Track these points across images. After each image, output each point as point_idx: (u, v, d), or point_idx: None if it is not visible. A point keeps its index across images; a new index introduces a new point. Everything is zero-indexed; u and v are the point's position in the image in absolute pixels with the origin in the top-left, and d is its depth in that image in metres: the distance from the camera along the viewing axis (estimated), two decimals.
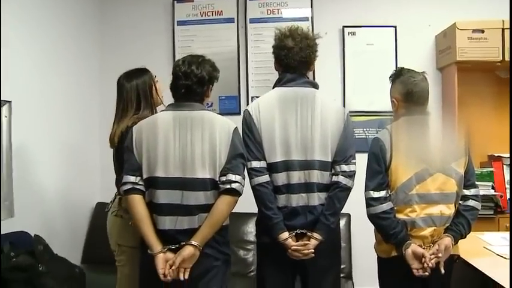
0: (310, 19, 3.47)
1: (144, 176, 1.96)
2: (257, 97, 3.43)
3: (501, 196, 3.16)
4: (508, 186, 3.23)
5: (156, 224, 1.95)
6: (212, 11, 3.55)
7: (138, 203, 1.95)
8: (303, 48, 2.14)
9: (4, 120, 2.50)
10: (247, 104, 3.51)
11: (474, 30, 3.09)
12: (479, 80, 3.38)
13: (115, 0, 3.63)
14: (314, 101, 2.11)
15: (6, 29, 2.43)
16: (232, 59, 3.52)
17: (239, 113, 3.50)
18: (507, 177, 3.24)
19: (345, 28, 3.47)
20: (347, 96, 3.48)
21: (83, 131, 3.31)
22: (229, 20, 3.54)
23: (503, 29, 3.08)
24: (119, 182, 2.27)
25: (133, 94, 2.26)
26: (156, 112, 2.29)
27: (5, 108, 2.49)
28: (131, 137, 2.00)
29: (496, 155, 3.31)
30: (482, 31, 3.09)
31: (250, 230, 3.37)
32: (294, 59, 2.14)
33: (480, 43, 3.09)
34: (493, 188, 3.18)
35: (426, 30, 3.45)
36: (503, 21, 3.08)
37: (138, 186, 1.96)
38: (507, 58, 3.07)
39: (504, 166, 3.24)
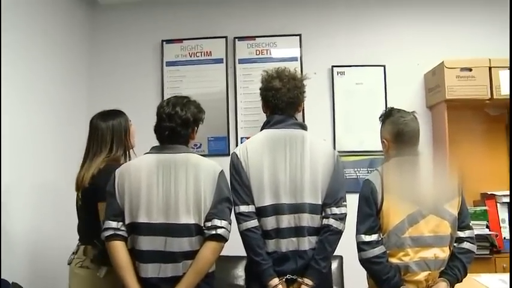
0: (299, 59, 3.49)
1: (127, 222, 1.90)
2: (247, 138, 3.50)
3: (496, 235, 3.09)
4: (503, 225, 3.16)
5: (138, 272, 1.87)
6: (201, 52, 3.56)
7: (119, 249, 1.88)
8: (290, 89, 2.12)
9: None
10: (237, 145, 3.47)
11: (462, 69, 3.10)
12: (468, 117, 3.37)
13: (104, 41, 3.65)
14: (303, 142, 2.08)
15: None
16: (221, 99, 3.50)
17: (228, 154, 3.46)
18: (501, 215, 3.18)
19: (334, 68, 3.48)
20: (337, 136, 3.45)
21: (65, 173, 3.20)
22: (218, 61, 3.55)
23: (490, 68, 3.11)
24: (85, 228, 2.19)
25: (108, 135, 2.19)
26: (129, 156, 2.24)
27: None
28: (113, 181, 1.94)
29: (489, 193, 3.26)
30: (470, 69, 3.10)
31: (240, 273, 3.26)
32: (282, 100, 2.12)
33: (468, 81, 3.10)
34: (487, 227, 3.12)
35: (415, 69, 3.46)
36: (489, 59, 3.12)
37: (120, 232, 1.89)
38: (495, 96, 3.08)
39: (498, 204, 3.18)
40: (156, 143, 2.06)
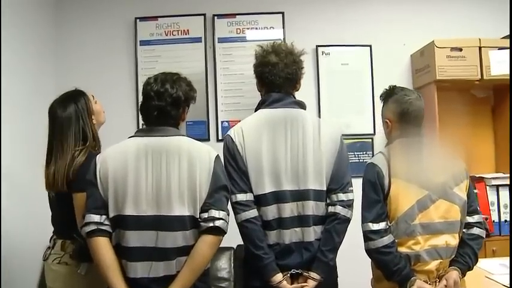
0: (282, 39, 3.28)
1: (111, 215, 1.67)
2: (227, 122, 3.31)
3: (486, 219, 3.03)
4: (492, 208, 3.11)
5: (126, 272, 1.66)
6: (178, 30, 3.32)
7: (103, 246, 1.66)
8: (288, 64, 1.94)
9: None
10: (217, 130, 3.27)
11: (452, 49, 3.01)
12: (454, 99, 3.30)
13: (72, 19, 3.33)
14: (305, 123, 1.90)
15: None
16: (200, 81, 3.27)
17: (208, 139, 3.27)
18: (491, 198, 3.12)
19: (319, 48, 3.31)
20: (322, 118, 3.29)
21: (31, 158, 2.91)
22: (196, 40, 3.32)
23: (480, 48, 3.03)
24: (62, 221, 1.98)
25: (72, 126, 1.96)
26: (98, 139, 2.04)
27: None
28: (94, 168, 1.71)
29: (478, 175, 3.20)
30: (461, 49, 3.01)
31: (224, 266, 3.10)
32: (279, 76, 1.93)
33: (459, 61, 3.01)
34: None
35: (401, 49, 3.34)
36: (479, 39, 3.04)
37: (103, 227, 1.67)
38: (485, 77, 3.01)
39: (487, 187, 3.12)
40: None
